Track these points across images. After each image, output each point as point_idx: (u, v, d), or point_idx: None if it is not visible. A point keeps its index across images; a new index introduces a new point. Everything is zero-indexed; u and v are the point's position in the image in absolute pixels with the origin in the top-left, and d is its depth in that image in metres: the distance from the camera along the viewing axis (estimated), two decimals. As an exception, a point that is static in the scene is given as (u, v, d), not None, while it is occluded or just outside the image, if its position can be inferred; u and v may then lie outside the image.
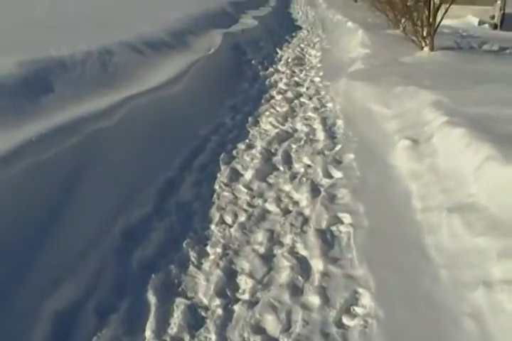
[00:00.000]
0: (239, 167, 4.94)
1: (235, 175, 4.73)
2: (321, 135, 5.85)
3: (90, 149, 4.03)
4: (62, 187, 3.54)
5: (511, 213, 3.33)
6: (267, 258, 3.41)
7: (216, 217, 3.97)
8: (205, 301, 2.97)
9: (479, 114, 5.09)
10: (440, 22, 10.35)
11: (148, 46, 7.57)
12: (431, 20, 10.23)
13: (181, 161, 4.95)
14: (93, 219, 3.53)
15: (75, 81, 5.30)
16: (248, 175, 4.71)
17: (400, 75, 7.57)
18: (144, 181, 4.29)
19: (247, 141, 5.68)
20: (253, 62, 10.02)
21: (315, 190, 4.38)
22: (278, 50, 11.99)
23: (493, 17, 18.57)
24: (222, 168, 4.87)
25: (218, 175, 4.73)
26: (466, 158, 4.13)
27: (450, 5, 10.35)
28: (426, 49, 10.18)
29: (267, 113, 6.81)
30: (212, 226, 3.83)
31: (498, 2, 18.54)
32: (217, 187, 4.49)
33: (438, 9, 10.22)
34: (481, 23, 18.49)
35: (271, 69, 9.65)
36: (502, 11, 18.70)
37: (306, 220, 3.91)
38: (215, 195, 4.35)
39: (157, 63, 6.98)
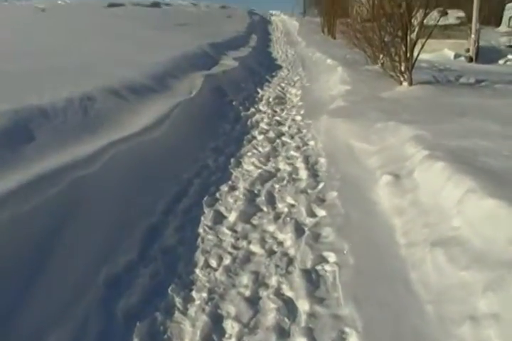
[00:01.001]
0: (222, 209, 4.99)
1: (219, 218, 4.78)
2: (303, 174, 5.93)
3: (73, 197, 4.07)
4: (44, 238, 3.55)
5: (494, 246, 3.39)
6: (253, 301, 3.44)
7: (201, 260, 4.00)
8: (192, 348, 2.97)
9: (459, 148, 5.23)
10: (417, 57, 10.68)
11: (130, 91, 7.70)
12: (408, 55, 10.55)
13: (165, 206, 4.99)
14: (77, 269, 3.54)
15: (57, 129, 5.36)
16: (232, 217, 4.76)
17: (380, 111, 7.76)
18: (127, 227, 4.32)
19: (230, 182, 5.75)
20: (234, 103, 10.19)
21: (299, 229, 4.43)
22: (259, 90, 12.22)
23: (468, 50, 19.21)
24: (206, 210, 4.92)
25: (202, 218, 4.77)
26: (448, 192, 4.23)
27: (426, 40, 10.72)
28: (405, 84, 10.45)
29: (249, 153, 6.90)
30: (197, 271, 3.86)
31: (473, 36, 19.22)
32: (201, 230, 4.53)
33: (415, 44, 10.55)
34: (457, 56, 19.12)
35: (252, 110, 9.81)
36: (476, 44, 19.34)
37: (291, 260, 3.95)
38: (199, 239, 4.37)
39: (139, 107, 7.09)
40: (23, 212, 3.51)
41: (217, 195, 5.38)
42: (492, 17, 27.73)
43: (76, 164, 4.42)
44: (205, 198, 5.20)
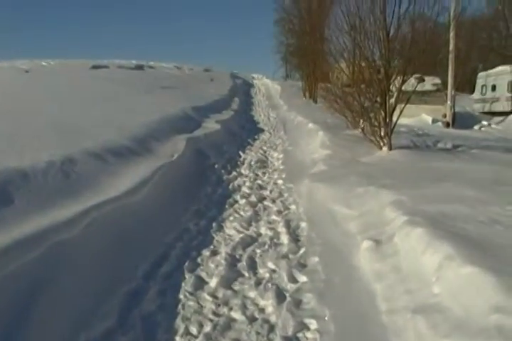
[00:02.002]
0: (204, 274, 5.00)
1: (200, 283, 4.78)
2: (285, 238, 6.00)
3: (51, 262, 4.07)
4: (20, 303, 3.54)
5: (474, 313, 3.45)
6: (234, 369, 3.41)
7: (181, 328, 3.98)
8: None
9: (438, 213, 5.37)
10: (396, 122, 11.05)
11: (112, 153, 7.82)
12: (387, 120, 10.90)
13: (145, 271, 4.99)
14: (53, 336, 3.51)
15: (37, 192, 5.40)
16: (213, 282, 4.77)
17: (361, 175, 7.94)
18: (107, 292, 4.30)
19: (211, 247, 5.79)
20: (216, 166, 10.35)
21: (280, 295, 4.45)
22: (241, 153, 12.45)
23: (445, 116, 20.09)
24: (187, 276, 4.93)
25: (183, 284, 4.77)
26: (427, 258, 4.31)
27: (405, 105, 11.13)
28: (384, 148, 10.74)
29: (231, 218, 6.98)
30: (177, 338, 3.83)
31: (449, 102, 20.10)
32: (182, 296, 4.52)
33: (394, 110, 10.94)
34: (434, 121, 19.93)
35: (234, 173, 9.97)
36: (453, 110, 20.19)
37: (272, 328, 3.95)
38: (179, 305, 4.37)
39: (121, 171, 7.18)
40: (1, 276, 3.50)
41: (199, 259, 5.40)
42: (466, 84, 29.04)
43: (55, 229, 4.45)
44: (186, 263, 5.21)
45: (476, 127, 20.51)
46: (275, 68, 54.39)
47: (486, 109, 24.99)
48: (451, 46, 19.44)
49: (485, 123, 21.35)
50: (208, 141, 12.03)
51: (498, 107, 24.20)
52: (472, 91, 27.92)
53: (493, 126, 21.08)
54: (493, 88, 24.98)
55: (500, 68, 25.17)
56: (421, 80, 16.27)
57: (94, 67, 33.30)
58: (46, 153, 6.63)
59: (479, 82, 26.55)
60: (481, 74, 26.97)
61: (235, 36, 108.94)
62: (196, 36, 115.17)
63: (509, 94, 23.58)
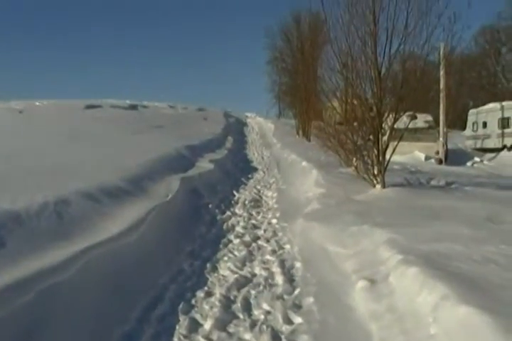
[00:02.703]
0: (198, 316, 4.97)
1: (195, 326, 4.75)
2: (279, 279, 5.99)
3: (44, 306, 4.05)
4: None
5: (471, 353, 3.46)
6: None
7: (176, 372, 3.94)
8: None
9: (432, 252, 5.41)
10: (389, 159, 11.15)
11: (106, 194, 7.86)
12: (380, 158, 11.00)
13: (139, 313, 4.97)
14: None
15: (30, 234, 5.41)
16: (207, 325, 4.74)
17: (355, 214, 8.00)
18: (100, 336, 4.27)
19: (205, 288, 5.76)
20: (210, 205, 10.39)
21: (276, 337, 4.43)
22: (235, 193, 12.50)
23: (437, 152, 20.37)
24: (181, 318, 4.90)
25: (177, 326, 4.74)
26: (423, 298, 4.33)
27: (398, 143, 11.26)
28: (378, 186, 10.81)
29: (225, 258, 6.97)
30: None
31: (441, 139, 20.40)
32: (176, 339, 4.49)
33: (387, 147, 11.05)
34: (427, 158, 20.19)
35: (228, 213, 10.00)
36: (445, 147, 20.49)
37: (268, 371, 3.91)
38: (173, 349, 4.33)
39: (115, 211, 7.21)
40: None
41: (193, 301, 5.38)
42: (458, 121, 29.56)
43: (48, 272, 4.44)
44: (180, 305, 5.19)
45: (469, 164, 20.78)
46: (268, 107, 55.32)
47: (478, 146, 25.41)
48: (442, 84, 19.88)
49: (477, 159, 21.65)
50: (202, 181, 12.10)
51: (490, 144, 24.62)
52: (464, 128, 28.42)
53: (485, 162, 21.36)
54: (484, 125, 25.47)
55: (490, 105, 25.74)
56: (413, 118, 16.51)
57: (88, 107, 33.61)
58: (39, 194, 6.66)
59: (470, 119, 27.09)
60: (471, 111, 27.54)
61: (228, 75, 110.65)
62: (190, 75, 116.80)
63: (500, 131, 24.01)
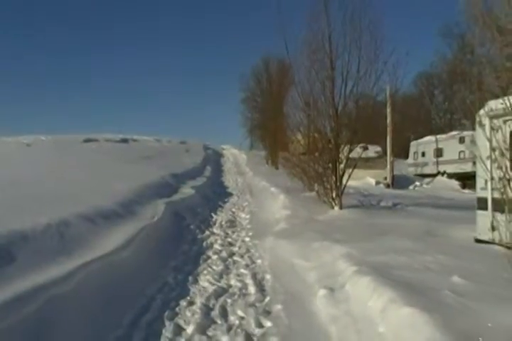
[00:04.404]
0: (181, 322, 5.01)
1: (178, 330, 4.79)
2: (252, 289, 6.05)
3: (48, 314, 4.08)
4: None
5: (415, 348, 3.59)
6: None
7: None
8: None
9: (381, 263, 5.59)
10: (346, 184, 11.37)
11: (101, 216, 7.88)
12: (338, 183, 11.21)
13: (131, 319, 4.99)
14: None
15: (36, 251, 5.45)
16: (190, 329, 4.78)
17: (317, 232, 8.15)
18: (97, 339, 4.29)
19: (188, 298, 5.79)
20: (192, 226, 10.42)
21: (249, 339, 4.51)
22: (213, 215, 12.54)
23: (385, 178, 20.93)
24: (167, 323, 4.93)
25: (163, 330, 4.77)
26: (373, 302, 4.48)
27: (352, 170, 11.50)
28: (336, 208, 11.00)
29: (205, 271, 7.00)
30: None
31: (388, 166, 21.00)
32: (162, 342, 4.52)
33: (343, 174, 11.27)
34: (377, 183, 20.73)
35: (207, 232, 10.03)
36: (392, 173, 21.08)
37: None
38: (160, 351, 4.35)
39: (109, 231, 7.22)
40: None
41: (177, 309, 5.41)
42: (402, 151, 30.39)
43: (52, 284, 4.49)
44: (166, 312, 5.22)
45: (411, 187, 21.37)
46: (242, 139, 55.42)
47: (418, 172, 26.33)
48: (389, 119, 20.46)
49: (418, 183, 22.33)
50: (184, 205, 12.14)
51: (427, 170, 25.68)
52: (406, 157, 29.32)
53: (424, 186, 22.11)
54: (423, 154, 26.48)
55: (427, 138, 26.94)
56: (365, 148, 16.95)
57: (86, 140, 33.50)
58: (44, 216, 6.67)
59: (412, 149, 28.12)
60: (413, 142, 28.48)
61: (206, 113, 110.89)
62: (173, 112, 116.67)
63: (435, 159, 24.93)
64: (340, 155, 11.34)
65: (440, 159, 24.56)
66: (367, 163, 19.51)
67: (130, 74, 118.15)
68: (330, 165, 11.52)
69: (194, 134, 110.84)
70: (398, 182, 21.12)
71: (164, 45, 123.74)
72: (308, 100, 12.08)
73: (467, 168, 20.02)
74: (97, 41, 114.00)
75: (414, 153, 27.62)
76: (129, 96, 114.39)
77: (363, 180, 19.98)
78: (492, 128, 5.55)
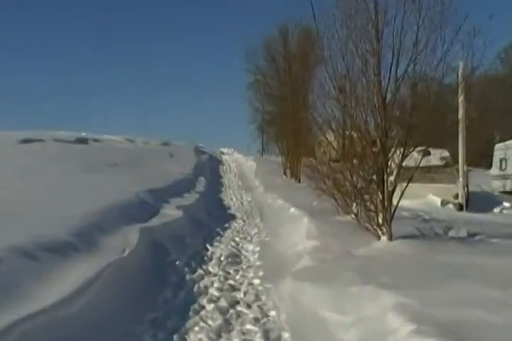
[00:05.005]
0: None
1: None
2: (264, 357, 5.97)
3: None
4: None
5: None
6: None
7: None
8: None
9: (451, 320, 5.44)
10: (397, 205, 11.21)
11: (46, 250, 7.78)
12: (386, 203, 11.05)
13: None
14: None
15: None
16: None
17: (356, 272, 8.02)
18: None
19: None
20: (178, 263, 10.38)
21: None
22: (208, 247, 12.50)
23: (457, 196, 20.17)
24: None
25: None
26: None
27: (407, 185, 11.30)
28: (383, 238, 10.85)
29: (196, 328, 6.91)
30: None
31: (461, 179, 20.22)
32: None
33: (394, 190, 11.09)
34: (444, 203, 20.01)
35: (200, 272, 9.98)
36: (466, 189, 20.34)
37: None
38: None
39: (56, 272, 7.12)
40: None
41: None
42: (482, 157, 29.81)
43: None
44: None
45: (496, 210, 20.54)
46: (249, 141, 55.43)
47: (508, 188, 25.30)
48: (461, 113, 19.68)
49: (507, 205, 21.31)
50: (168, 232, 12.10)
51: None
52: (489, 166, 28.53)
53: None
54: (515, 162, 25.58)
55: None
56: (426, 154, 16.65)
57: (25, 141, 33.43)
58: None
59: (497, 155, 27.15)
60: (498, 145, 27.62)
61: (198, 105, 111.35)
62: (151, 103, 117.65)
63: None
64: (389, 163, 11.20)
65: None
66: (428, 174, 19.27)
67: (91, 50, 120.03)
68: (374, 176, 11.39)
69: (181, 133, 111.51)
70: (476, 202, 20.60)
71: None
72: (344, 85, 11.97)
73: None
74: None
75: (502, 159, 26.59)
76: (94, 85, 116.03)
77: (422, 199, 19.71)
78: None
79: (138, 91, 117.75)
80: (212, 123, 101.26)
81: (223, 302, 8.01)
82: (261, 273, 9.88)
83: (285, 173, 31.65)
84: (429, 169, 19.05)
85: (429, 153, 18.47)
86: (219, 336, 6.62)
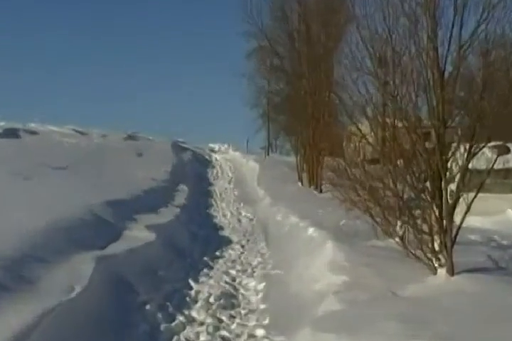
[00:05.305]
0: None
1: None
2: None
3: None
4: None
5: None
6: None
7: None
8: None
9: None
10: (461, 224, 11.13)
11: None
12: (445, 222, 11.00)
13: None
14: None
15: None
16: None
17: (401, 320, 8.01)
18: None
19: None
20: (148, 306, 10.41)
21: None
22: (192, 283, 12.53)
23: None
24: None
25: None
26: None
27: (475, 195, 11.19)
28: (441, 272, 10.80)
29: None
30: None
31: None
32: None
33: (456, 204, 11.00)
34: (531, 222, 19.94)
35: (180, 319, 10.01)
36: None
37: None
38: None
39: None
40: None
41: None
42: None
43: None
44: None
45: None
46: (249, 133, 55.31)
47: None
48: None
49: None
50: (135, 263, 12.11)
51: None
52: None
53: None
54: None
55: None
56: (503, 151, 16.60)
57: None
58: None
59: None
60: None
61: (175, 81, 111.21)
62: (110, 82, 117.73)
63: None
64: (449, 165, 11.15)
65: None
66: (507, 180, 19.20)
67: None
68: (428, 184, 11.35)
69: (153, 123, 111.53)
70: None
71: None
72: (384, 54, 11.97)
73: None
74: None
75: None
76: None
77: (499, 216, 19.64)
78: None
79: (92, 68, 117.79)
80: (196, 110, 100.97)
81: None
82: (267, 321, 9.87)
83: (300, 179, 31.67)
84: (507, 173, 19.00)
85: (508, 151, 18.43)
86: None
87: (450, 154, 11.03)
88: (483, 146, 11.21)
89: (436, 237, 11.05)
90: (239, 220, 22.02)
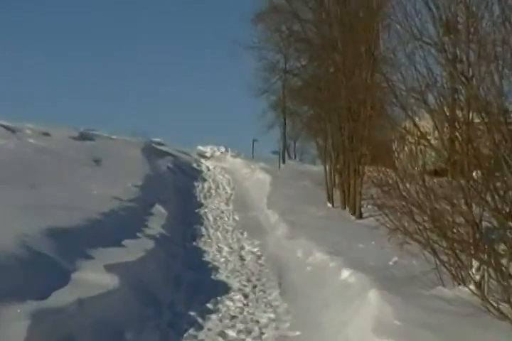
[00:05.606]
0: None
1: None
2: None
3: None
4: None
5: None
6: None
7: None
8: None
9: None
10: None
11: None
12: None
13: None
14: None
15: None
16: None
17: None
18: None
19: None
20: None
21: None
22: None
23: None
24: None
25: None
26: None
27: None
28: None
29: None
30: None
31: None
32: None
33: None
34: None
35: None
36: None
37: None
38: None
39: None
40: None
41: None
42: None
43: None
44: None
45: None
46: (256, 133, 55.69)
47: None
48: None
49: None
50: (88, 320, 12.03)
51: None
52: None
53: None
54: None
55: None
56: None
57: None
58: None
59: None
60: None
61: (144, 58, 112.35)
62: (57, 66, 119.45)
63: None
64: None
65: None
66: None
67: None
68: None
69: (116, 118, 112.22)
70: None
71: None
72: (454, 16, 11.98)
73: None
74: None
75: None
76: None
77: None
78: None
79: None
80: (179, 98, 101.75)
81: None
82: None
83: (330, 198, 31.75)
84: None
85: None
86: None
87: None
88: None
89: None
90: (241, 258, 22.06)
